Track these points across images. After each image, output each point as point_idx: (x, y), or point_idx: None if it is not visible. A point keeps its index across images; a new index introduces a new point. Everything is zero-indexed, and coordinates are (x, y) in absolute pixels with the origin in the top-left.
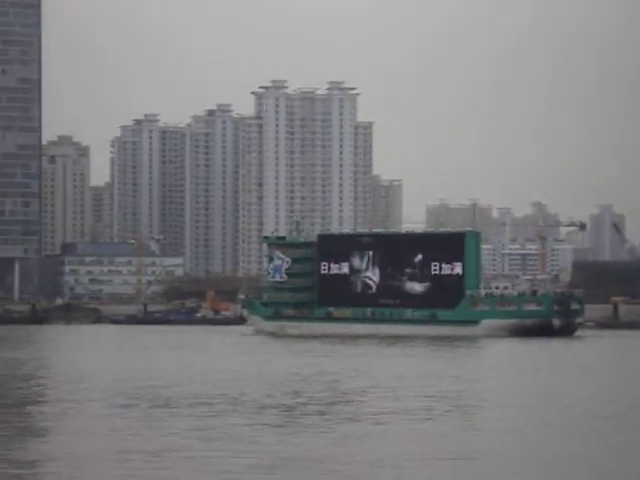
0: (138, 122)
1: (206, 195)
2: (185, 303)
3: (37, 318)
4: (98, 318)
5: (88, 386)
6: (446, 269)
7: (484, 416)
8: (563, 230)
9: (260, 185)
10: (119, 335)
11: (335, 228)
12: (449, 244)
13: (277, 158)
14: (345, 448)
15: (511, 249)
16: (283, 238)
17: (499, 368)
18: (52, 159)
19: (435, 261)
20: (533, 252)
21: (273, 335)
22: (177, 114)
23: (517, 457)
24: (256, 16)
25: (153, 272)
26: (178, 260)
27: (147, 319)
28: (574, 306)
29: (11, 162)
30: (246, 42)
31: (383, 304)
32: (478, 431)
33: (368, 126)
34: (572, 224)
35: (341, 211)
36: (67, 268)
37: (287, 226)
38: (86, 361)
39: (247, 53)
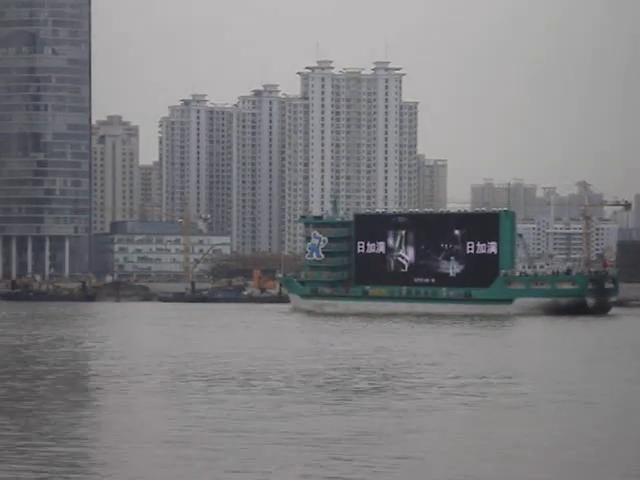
0: (186, 102)
1: (253, 175)
2: (232, 281)
3: (87, 295)
4: (147, 296)
5: (147, 362)
6: (481, 248)
7: (521, 390)
8: (608, 210)
9: (306, 165)
10: (168, 312)
11: (380, 207)
12: (484, 224)
13: (323, 138)
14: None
15: (556, 229)
16: (320, 217)
17: (540, 346)
18: (102, 139)
19: (470, 240)
20: (578, 232)
21: (310, 313)
22: (224, 94)
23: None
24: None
25: (201, 251)
26: (225, 239)
27: (195, 297)
28: (608, 285)
29: (61, 142)
30: (292, 23)
31: (418, 283)
32: (511, 410)
33: (413, 106)
34: (617, 204)
35: (386, 191)
36: (116, 246)
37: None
38: (140, 338)
39: (293, 34)
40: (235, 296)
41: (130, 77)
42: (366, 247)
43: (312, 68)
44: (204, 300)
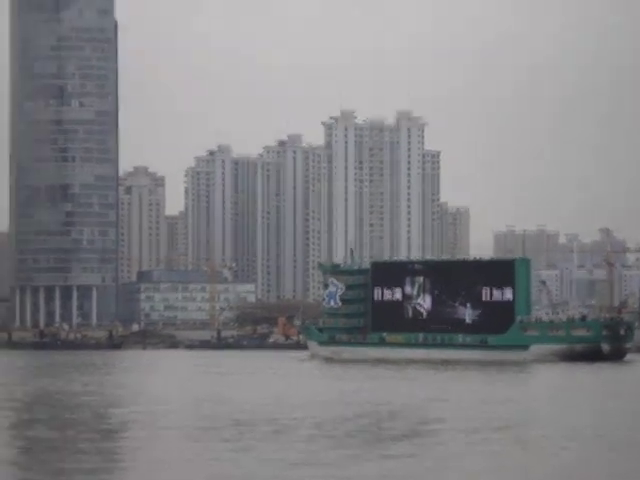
0: (211, 153)
1: (277, 223)
2: (257, 329)
3: (114, 344)
4: (173, 343)
5: (174, 410)
6: (497, 295)
7: (535, 434)
8: (631, 256)
9: (330, 213)
10: (195, 360)
11: (403, 255)
12: (499, 270)
13: (346, 187)
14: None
15: (579, 275)
16: (337, 265)
17: (554, 394)
18: (128, 189)
19: (486, 287)
20: (601, 278)
21: (328, 360)
22: (249, 145)
23: None
24: (325, 49)
25: (226, 298)
26: (250, 287)
27: (220, 344)
28: (623, 331)
29: (89, 192)
30: (315, 73)
31: (435, 329)
32: (526, 450)
33: (435, 154)
34: None
35: (409, 238)
36: (143, 295)
37: (355, 253)
38: (167, 385)
39: (316, 84)
40: (260, 343)
41: (156, 128)
42: (383, 294)
43: (335, 118)
44: (230, 347)
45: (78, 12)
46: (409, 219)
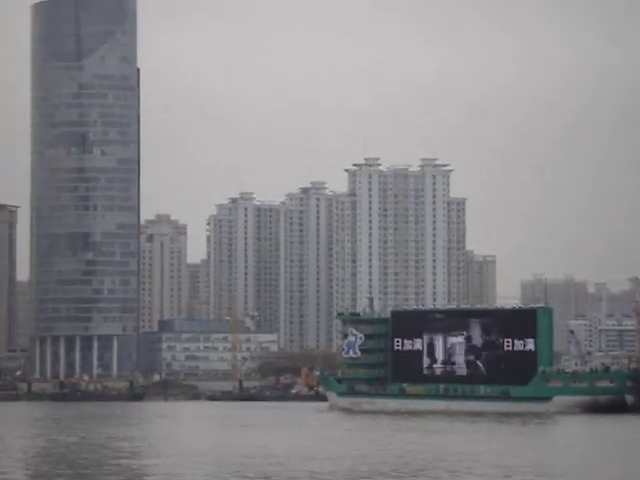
0: (233, 200)
1: (300, 271)
2: (280, 379)
3: (135, 395)
4: (195, 395)
5: (202, 464)
6: (518, 345)
7: None
8: None
9: (354, 261)
10: (216, 411)
11: (429, 304)
12: (521, 320)
13: (370, 234)
14: None
15: (608, 325)
16: (357, 314)
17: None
18: (150, 237)
19: (507, 337)
20: (630, 328)
21: (347, 411)
22: (272, 192)
23: None
24: (349, 96)
25: (248, 348)
26: (273, 336)
27: (242, 395)
28: None
29: (110, 241)
30: (337, 120)
31: (455, 380)
32: None
33: (461, 202)
34: None
35: (434, 287)
36: (164, 345)
37: (381, 302)
38: (192, 439)
39: (339, 131)
40: (283, 394)
41: (178, 175)
42: (403, 344)
43: (359, 165)
44: (252, 399)
45: (100, 59)
46: (434, 267)
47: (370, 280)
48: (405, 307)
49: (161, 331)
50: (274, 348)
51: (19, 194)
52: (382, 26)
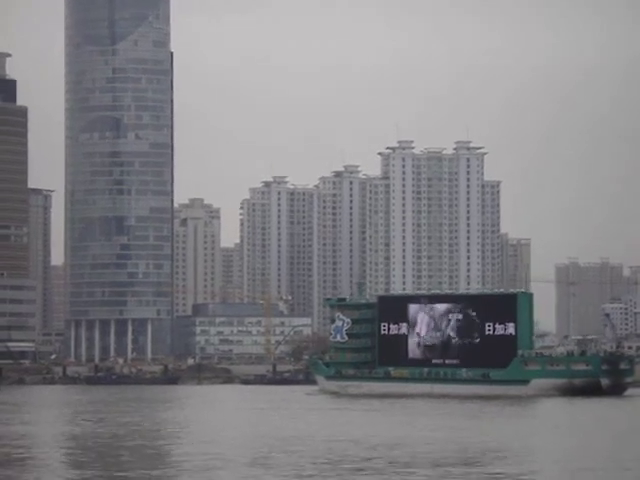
0: (267, 184)
1: (334, 255)
2: None
3: (169, 378)
4: (229, 378)
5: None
6: (499, 329)
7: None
8: None
9: (387, 245)
10: (251, 395)
11: (463, 287)
12: (502, 305)
13: (404, 218)
14: None
15: None
16: (344, 299)
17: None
18: (184, 221)
19: (489, 321)
20: None
21: (335, 394)
22: (305, 176)
23: None
24: (382, 79)
25: (282, 332)
26: (306, 320)
27: (276, 379)
28: (623, 366)
29: (144, 225)
30: (372, 103)
31: (439, 364)
32: None
33: (495, 185)
34: None
35: (468, 270)
36: (198, 329)
37: (414, 285)
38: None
39: (374, 114)
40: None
41: (212, 160)
42: (389, 329)
43: (393, 148)
44: (285, 382)
45: (133, 44)
46: (468, 251)
47: (404, 264)
48: (392, 292)
49: (195, 315)
50: (307, 332)
51: (54, 178)
52: (423, 10)
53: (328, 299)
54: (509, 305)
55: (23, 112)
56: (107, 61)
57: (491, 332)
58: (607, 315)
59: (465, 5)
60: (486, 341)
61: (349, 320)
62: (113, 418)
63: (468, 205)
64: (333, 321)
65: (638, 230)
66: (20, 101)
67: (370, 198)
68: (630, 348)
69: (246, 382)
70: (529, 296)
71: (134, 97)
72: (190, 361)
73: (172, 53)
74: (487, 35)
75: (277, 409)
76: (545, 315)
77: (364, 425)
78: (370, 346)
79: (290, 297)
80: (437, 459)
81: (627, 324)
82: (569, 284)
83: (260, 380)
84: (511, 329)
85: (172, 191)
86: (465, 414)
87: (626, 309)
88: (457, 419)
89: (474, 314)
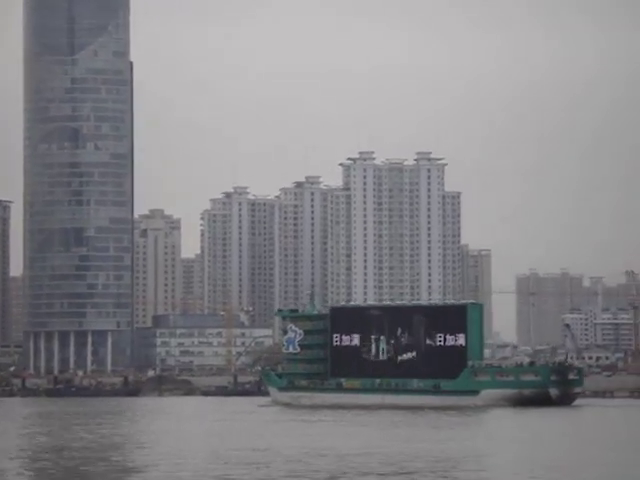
0: (228, 195)
1: (295, 266)
2: None
3: (129, 390)
4: (189, 390)
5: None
6: (450, 340)
7: None
8: None
9: (348, 256)
10: (210, 406)
11: (425, 298)
12: (453, 316)
13: (365, 229)
14: None
15: (603, 319)
16: (296, 311)
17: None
18: (144, 232)
19: (440, 332)
20: (626, 322)
21: (288, 406)
22: (266, 186)
23: None
24: (343, 90)
25: (243, 343)
26: (267, 331)
27: (237, 390)
28: (572, 376)
29: (104, 236)
30: (332, 115)
31: (390, 375)
32: None
33: (456, 195)
34: None
35: (430, 281)
36: (158, 340)
37: (375, 296)
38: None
39: (334, 125)
40: None
41: (172, 170)
42: (341, 340)
43: (354, 159)
44: (247, 394)
45: (93, 53)
46: (429, 261)
47: (365, 274)
48: (343, 304)
49: (155, 326)
50: (269, 343)
51: (12, 189)
52: (384, 20)
53: (280, 310)
54: (459, 316)
55: None
56: (66, 71)
57: (442, 343)
58: (567, 325)
59: (458, 14)
60: (437, 352)
61: (301, 331)
62: (70, 431)
63: (429, 216)
64: (285, 332)
65: (598, 241)
66: None
67: (331, 209)
68: (590, 358)
69: (207, 393)
70: (479, 307)
71: (94, 107)
72: (151, 373)
73: (132, 63)
74: (446, 46)
75: (223, 421)
76: (506, 326)
77: (315, 437)
78: (322, 357)
79: (251, 308)
80: (376, 468)
81: (587, 334)
82: (529, 294)
83: (221, 391)
84: (461, 340)
85: (132, 202)
86: (411, 424)
87: (586, 320)
88: (404, 429)
89: (425, 325)
